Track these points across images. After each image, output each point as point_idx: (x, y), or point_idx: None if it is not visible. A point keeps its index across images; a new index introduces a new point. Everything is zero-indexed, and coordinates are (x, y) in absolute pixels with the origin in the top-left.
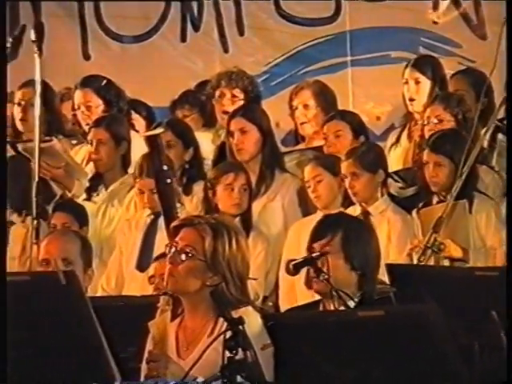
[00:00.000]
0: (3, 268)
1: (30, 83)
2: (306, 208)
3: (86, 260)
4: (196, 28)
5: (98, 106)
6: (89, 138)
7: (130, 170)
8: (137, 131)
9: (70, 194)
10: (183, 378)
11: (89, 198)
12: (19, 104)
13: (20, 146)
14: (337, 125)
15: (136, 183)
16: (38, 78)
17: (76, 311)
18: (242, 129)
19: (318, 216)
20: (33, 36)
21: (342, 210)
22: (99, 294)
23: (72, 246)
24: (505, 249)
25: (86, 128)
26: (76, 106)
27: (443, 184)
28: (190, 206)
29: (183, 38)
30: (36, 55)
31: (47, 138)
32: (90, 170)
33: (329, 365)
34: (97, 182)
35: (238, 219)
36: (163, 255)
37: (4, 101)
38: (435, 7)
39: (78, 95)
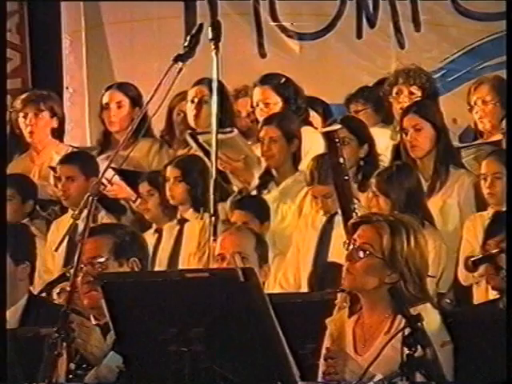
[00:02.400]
0: (3, 268)
1: (203, 81)
2: (482, 204)
3: (261, 256)
4: (372, 24)
5: (277, 103)
6: (260, 135)
7: (301, 167)
8: (315, 128)
9: (250, 188)
10: (362, 374)
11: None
12: (192, 101)
13: (201, 138)
14: None
15: (309, 190)
16: (214, 76)
17: (254, 308)
18: (415, 126)
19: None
20: (210, 34)
21: None
22: (277, 290)
23: (247, 241)
24: None
25: None
26: (254, 104)
27: None
28: (366, 202)
29: (359, 35)
30: (213, 53)
31: (228, 129)
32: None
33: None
34: (267, 179)
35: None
36: None
37: (4, 101)
38: None
39: (257, 92)
